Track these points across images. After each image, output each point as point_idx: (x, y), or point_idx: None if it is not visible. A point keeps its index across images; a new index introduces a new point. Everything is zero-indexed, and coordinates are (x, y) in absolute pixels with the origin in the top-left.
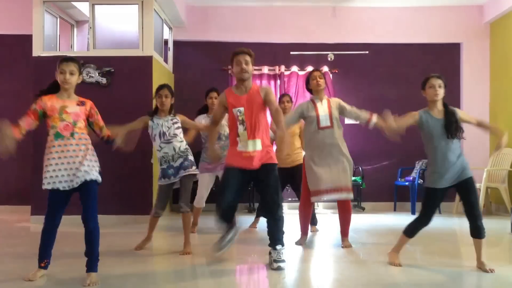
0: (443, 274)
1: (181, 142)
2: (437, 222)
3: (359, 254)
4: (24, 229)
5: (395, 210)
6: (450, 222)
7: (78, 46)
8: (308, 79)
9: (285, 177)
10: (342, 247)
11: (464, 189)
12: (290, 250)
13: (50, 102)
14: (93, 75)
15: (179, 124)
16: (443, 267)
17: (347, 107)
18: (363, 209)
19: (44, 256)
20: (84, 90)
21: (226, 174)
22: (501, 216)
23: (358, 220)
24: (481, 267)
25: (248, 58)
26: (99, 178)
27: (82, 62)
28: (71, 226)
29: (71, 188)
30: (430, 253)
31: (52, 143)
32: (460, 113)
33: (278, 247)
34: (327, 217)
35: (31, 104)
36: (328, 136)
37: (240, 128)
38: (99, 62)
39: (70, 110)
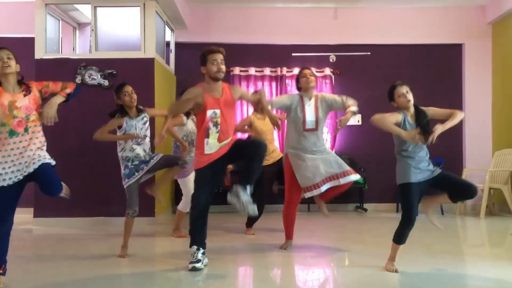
0: (445, 275)
1: (149, 143)
2: (440, 223)
3: (361, 255)
4: (26, 232)
5: (397, 211)
6: (452, 223)
7: (80, 48)
8: (298, 77)
9: (274, 173)
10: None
11: (443, 179)
12: (290, 251)
13: None
14: (95, 77)
15: (148, 123)
16: (445, 267)
17: (330, 100)
18: (365, 210)
19: (1, 262)
20: (86, 92)
21: (197, 176)
22: (504, 216)
23: (360, 222)
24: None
25: (222, 57)
26: (52, 161)
27: (84, 64)
28: (71, 228)
29: (20, 180)
30: (433, 253)
31: (7, 141)
32: (431, 110)
33: (248, 186)
34: (325, 219)
35: None
36: (312, 138)
37: (213, 130)
38: (101, 64)
39: (20, 104)
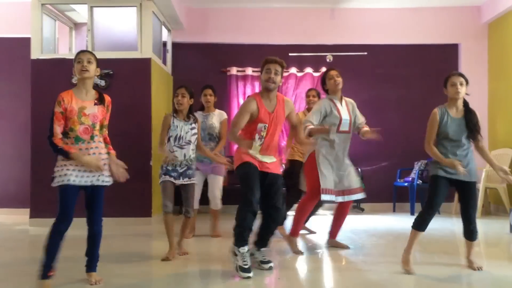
0: (442, 274)
1: (192, 150)
2: (436, 222)
3: (358, 255)
4: (22, 232)
5: (394, 211)
6: (449, 223)
7: (77, 48)
8: (324, 79)
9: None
10: (329, 246)
11: (467, 192)
12: (286, 251)
13: (69, 102)
14: None
15: (195, 131)
16: (442, 267)
17: (357, 113)
18: (363, 210)
19: (52, 265)
20: None
21: (247, 169)
22: (500, 216)
23: (357, 221)
24: (470, 265)
25: (279, 68)
26: (111, 182)
27: None
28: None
29: (80, 185)
30: (430, 253)
31: (73, 146)
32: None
33: (263, 248)
34: (322, 218)
35: (55, 106)
36: (343, 140)
37: (257, 142)
38: (98, 64)
39: (89, 111)
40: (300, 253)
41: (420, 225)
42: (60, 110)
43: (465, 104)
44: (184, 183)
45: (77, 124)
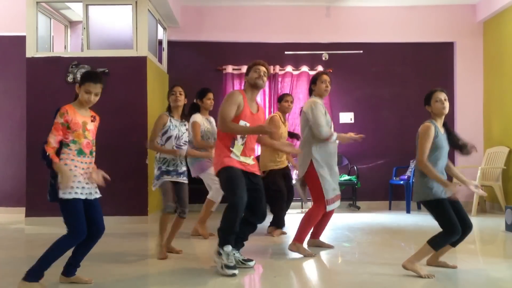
0: (438, 272)
1: (184, 151)
2: (432, 221)
3: (354, 253)
4: (18, 231)
5: (390, 209)
6: None
7: (72, 46)
8: (316, 80)
9: (283, 177)
10: (312, 246)
11: (454, 205)
12: (283, 249)
13: (73, 116)
14: None
15: (187, 132)
16: (438, 265)
17: None
18: (358, 208)
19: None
20: None
21: (231, 173)
22: (495, 214)
23: (353, 219)
24: (445, 264)
25: (266, 71)
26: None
27: (76, 62)
28: (63, 228)
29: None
30: None
31: (75, 158)
32: None
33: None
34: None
35: (57, 116)
36: (335, 143)
37: (238, 141)
38: (93, 62)
39: (89, 127)
40: (313, 255)
41: (440, 246)
42: (61, 121)
43: (444, 122)
44: (181, 181)
45: (82, 138)
